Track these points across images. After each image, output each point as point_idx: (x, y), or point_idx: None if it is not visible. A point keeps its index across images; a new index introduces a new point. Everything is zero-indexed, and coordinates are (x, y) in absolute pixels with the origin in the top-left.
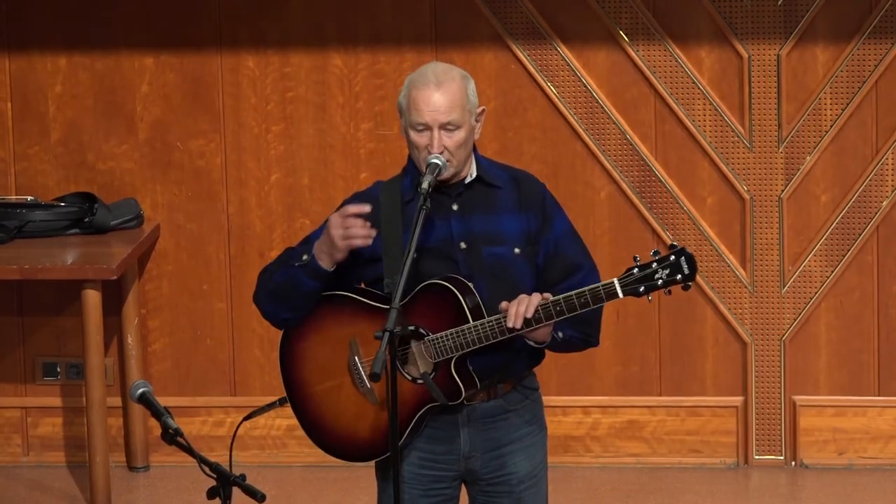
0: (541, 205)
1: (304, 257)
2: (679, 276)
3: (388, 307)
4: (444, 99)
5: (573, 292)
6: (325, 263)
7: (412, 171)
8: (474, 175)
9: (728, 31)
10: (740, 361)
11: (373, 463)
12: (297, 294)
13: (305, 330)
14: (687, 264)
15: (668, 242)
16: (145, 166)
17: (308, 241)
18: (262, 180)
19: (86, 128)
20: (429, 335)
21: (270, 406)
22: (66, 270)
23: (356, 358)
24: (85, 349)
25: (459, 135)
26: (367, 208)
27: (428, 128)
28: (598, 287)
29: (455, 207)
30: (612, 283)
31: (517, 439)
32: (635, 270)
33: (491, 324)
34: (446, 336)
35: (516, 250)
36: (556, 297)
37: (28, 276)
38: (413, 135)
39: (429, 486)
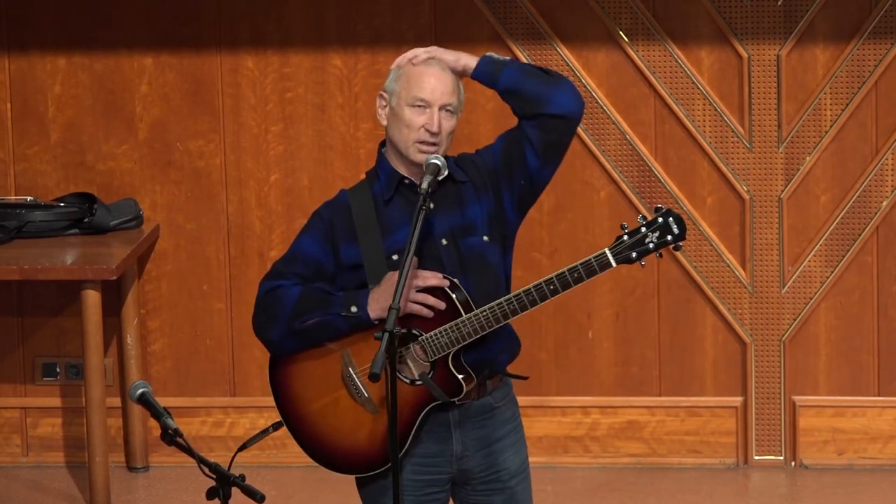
0: (488, 174)
1: (354, 309)
2: (669, 237)
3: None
4: (447, 80)
5: (565, 269)
6: (375, 315)
7: (385, 170)
8: (445, 173)
9: (728, 32)
10: (740, 362)
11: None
12: (326, 337)
13: None
14: (676, 224)
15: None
16: (145, 166)
17: (294, 260)
18: (262, 180)
19: (85, 128)
20: (422, 335)
21: (264, 433)
22: (65, 271)
23: (350, 369)
24: (84, 349)
25: (453, 121)
26: (446, 283)
27: (428, 105)
28: (591, 259)
29: (431, 206)
30: (604, 252)
31: (504, 436)
32: (625, 237)
33: (485, 313)
34: (441, 332)
35: (485, 238)
36: (549, 277)
37: (28, 276)
38: (409, 113)
39: (423, 490)
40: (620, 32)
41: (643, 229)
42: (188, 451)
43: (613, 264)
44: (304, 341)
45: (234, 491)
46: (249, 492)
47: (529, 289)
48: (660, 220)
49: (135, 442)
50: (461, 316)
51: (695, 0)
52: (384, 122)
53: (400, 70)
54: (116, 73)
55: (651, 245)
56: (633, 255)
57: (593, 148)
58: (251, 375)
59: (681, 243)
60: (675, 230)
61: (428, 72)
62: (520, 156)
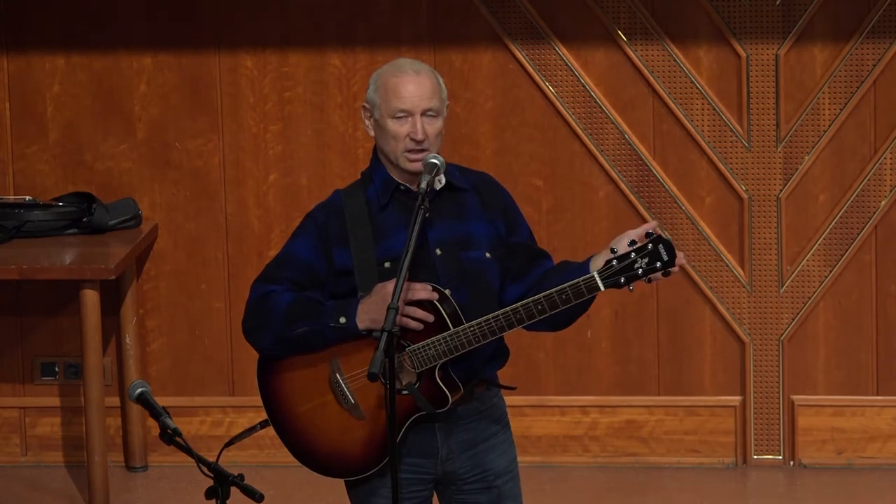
0: (504, 213)
1: (342, 320)
2: (658, 264)
3: None
4: (425, 84)
5: (553, 290)
6: (363, 326)
7: (381, 175)
8: (443, 182)
9: (726, 31)
10: (738, 361)
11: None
12: (315, 346)
13: None
14: (665, 251)
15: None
16: (143, 166)
17: (287, 264)
18: (261, 180)
19: (84, 128)
20: (409, 346)
21: (251, 430)
22: (64, 270)
23: (338, 376)
24: (83, 349)
25: (438, 123)
26: (435, 295)
27: (409, 114)
28: (579, 282)
29: (427, 214)
30: (593, 276)
31: (490, 437)
32: (614, 262)
33: (473, 328)
34: (429, 345)
35: (487, 254)
36: (537, 296)
37: (26, 276)
38: (392, 124)
39: (408, 489)
40: (619, 32)
41: (632, 255)
42: (187, 450)
43: (602, 288)
44: (292, 348)
45: (233, 490)
46: (248, 491)
47: (517, 307)
48: (649, 246)
49: (133, 441)
50: (449, 329)
51: (693, 0)
52: (372, 134)
53: (379, 80)
54: (115, 73)
55: (640, 271)
56: (622, 279)
57: (592, 147)
58: (250, 375)
59: (670, 269)
60: (665, 257)
61: (405, 79)
62: (504, 255)
